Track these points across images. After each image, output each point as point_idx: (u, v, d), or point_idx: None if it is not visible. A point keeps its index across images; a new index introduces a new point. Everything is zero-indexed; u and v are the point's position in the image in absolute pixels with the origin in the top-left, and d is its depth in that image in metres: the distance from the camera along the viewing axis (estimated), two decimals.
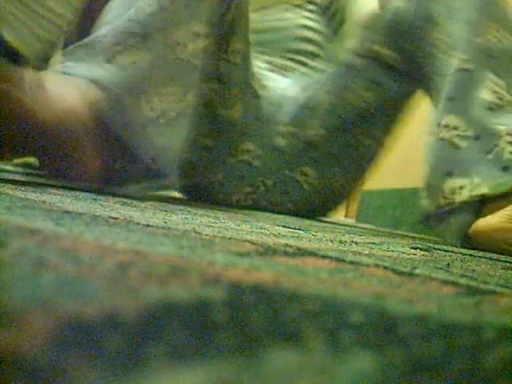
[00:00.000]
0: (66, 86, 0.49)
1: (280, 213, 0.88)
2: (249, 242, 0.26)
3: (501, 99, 0.63)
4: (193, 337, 0.09)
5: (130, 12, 0.60)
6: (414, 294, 0.18)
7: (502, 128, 0.61)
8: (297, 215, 0.89)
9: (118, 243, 0.19)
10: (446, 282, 0.22)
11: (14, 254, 0.14)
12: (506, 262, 0.43)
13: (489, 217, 0.59)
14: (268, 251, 0.24)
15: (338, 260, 0.24)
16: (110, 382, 0.07)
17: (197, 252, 0.20)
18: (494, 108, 0.63)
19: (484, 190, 0.60)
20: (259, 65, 0.90)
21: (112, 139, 0.57)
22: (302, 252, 0.25)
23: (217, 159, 0.85)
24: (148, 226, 0.26)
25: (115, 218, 0.27)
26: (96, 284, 0.12)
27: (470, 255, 0.44)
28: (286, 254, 0.24)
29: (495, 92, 0.64)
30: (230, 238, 0.27)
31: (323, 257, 0.25)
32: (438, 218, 0.66)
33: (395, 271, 0.23)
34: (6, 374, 0.07)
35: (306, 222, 0.70)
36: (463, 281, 0.23)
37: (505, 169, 0.60)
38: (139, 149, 0.59)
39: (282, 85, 0.90)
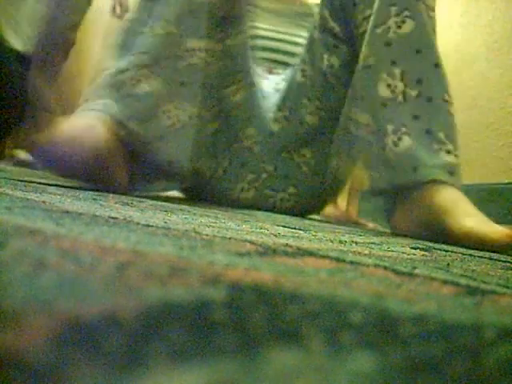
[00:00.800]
0: (97, 126, 0.59)
1: (282, 200, 0.90)
2: (249, 241, 0.26)
3: (394, 92, 0.67)
4: (193, 337, 0.09)
5: (139, 43, 0.68)
6: (413, 294, 0.18)
7: (389, 127, 0.67)
8: (300, 202, 0.92)
9: (118, 243, 0.19)
10: (445, 282, 0.22)
11: (14, 254, 0.14)
12: (506, 261, 0.43)
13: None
14: (268, 251, 0.24)
15: (338, 260, 0.24)
16: (110, 382, 0.07)
17: (197, 252, 0.20)
18: (387, 104, 0.68)
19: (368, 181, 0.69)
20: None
21: (134, 156, 0.68)
22: (301, 252, 0.25)
23: (223, 144, 0.87)
24: (148, 225, 0.26)
25: (115, 218, 0.27)
26: (96, 284, 0.12)
27: (470, 255, 0.44)
28: (286, 253, 0.24)
29: (389, 86, 0.68)
30: (230, 238, 0.27)
31: (323, 257, 0.25)
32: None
33: (395, 271, 0.23)
34: (6, 374, 0.07)
35: (306, 222, 0.70)
36: (463, 281, 0.23)
37: (386, 164, 0.67)
38: (157, 156, 0.68)
39: (269, 80, 0.95)
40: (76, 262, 0.14)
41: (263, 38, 0.99)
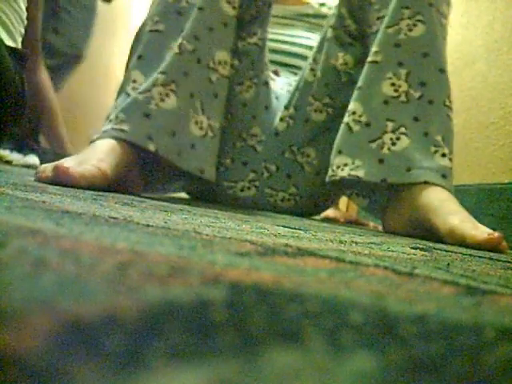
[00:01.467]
0: (119, 154, 0.64)
1: (283, 200, 0.91)
2: (249, 241, 0.26)
3: (397, 91, 0.69)
4: (193, 337, 0.09)
5: (168, 58, 0.70)
6: (413, 294, 0.18)
7: (388, 123, 0.68)
8: (300, 202, 0.92)
9: (118, 243, 0.19)
10: (445, 282, 0.22)
11: (14, 254, 0.14)
12: (506, 261, 0.43)
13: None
14: (268, 251, 0.24)
15: (338, 260, 0.24)
16: (110, 381, 0.07)
17: (197, 252, 0.20)
18: (388, 101, 0.69)
19: (360, 173, 0.69)
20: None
21: (155, 166, 0.76)
22: (302, 252, 0.25)
23: (227, 142, 0.89)
24: (148, 225, 0.26)
25: (115, 218, 0.27)
26: (96, 284, 0.12)
27: (470, 255, 0.44)
28: (286, 253, 0.24)
29: (393, 84, 0.69)
30: (230, 238, 0.27)
31: (323, 257, 0.25)
32: (331, 186, 0.78)
33: (395, 271, 0.23)
34: (6, 374, 0.07)
35: (306, 221, 0.70)
36: (463, 281, 0.23)
37: (380, 161, 0.68)
38: (187, 163, 0.70)
39: (280, 81, 0.97)
40: (76, 262, 0.14)
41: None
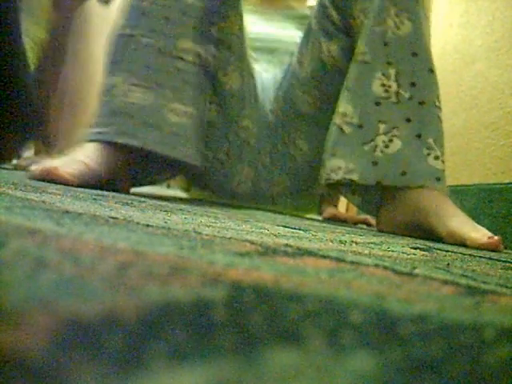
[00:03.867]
0: (106, 154, 0.67)
1: (279, 194, 0.92)
2: (249, 241, 0.26)
3: (387, 91, 0.69)
4: (193, 337, 0.09)
5: (131, 56, 0.71)
6: (413, 294, 0.18)
7: (380, 125, 0.68)
8: (296, 196, 0.93)
9: (118, 243, 0.19)
10: (445, 282, 0.22)
11: (14, 254, 0.14)
12: (505, 261, 0.43)
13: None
14: (268, 251, 0.24)
15: (338, 260, 0.24)
16: (110, 382, 0.07)
17: (197, 252, 0.20)
18: (380, 102, 0.69)
19: (354, 177, 0.69)
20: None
21: (140, 159, 0.76)
22: (301, 252, 0.25)
23: (220, 134, 0.89)
24: (148, 225, 0.26)
25: (115, 218, 0.27)
26: (96, 284, 0.12)
27: (470, 255, 0.44)
28: (286, 253, 0.24)
29: (383, 85, 0.69)
30: (230, 238, 0.27)
31: (323, 257, 0.25)
32: (326, 187, 0.78)
33: (395, 271, 0.23)
34: (6, 374, 0.07)
35: (306, 221, 0.70)
36: (463, 281, 0.23)
37: (374, 164, 0.68)
38: (173, 151, 0.71)
39: (269, 73, 0.97)
40: (76, 261, 0.14)
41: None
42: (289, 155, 0.91)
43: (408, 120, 0.68)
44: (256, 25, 1.04)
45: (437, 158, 0.67)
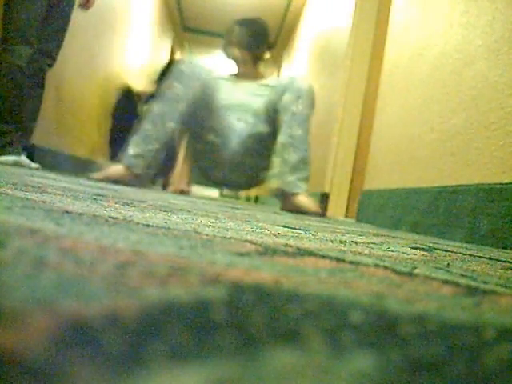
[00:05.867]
0: (125, 171, 1.45)
1: (236, 184, 1.82)
2: (249, 241, 0.26)
3: (287, 160, 1.55)
4: (193, 337, 0.09)
5: (155, 135, 1.52)
6: (413, 293, 0.18)
7: (287, 165, 1.53)
8: (243, 183, 1.80)
9: (118, 243, 0.19)
10: (445, 282, 0.22)
11: (14, 254, 0.14)
12: (505, 261, 0.43)
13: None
14: (268, 251, 0.24)
15: (338, 260, 0.24)
16: (110, 381, 0.07)
17: (197, 252, 0.20)
18: (287, 163, 1.56)
19: (279, 184, 1.52)
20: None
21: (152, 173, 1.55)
22: (302, 252, 0.25)
23: (211, 154, 1.76)
24: (148, 225, 0.26)
25: (115, 218, 0.27)
26: (96, 284, 0.12)
27: (470, 255, 0.44)
28: (286, 253, 0.24)
29: (289, 148, 1.55)
30: (230, 238, 0.27)
31: (323, 257, 0.25)
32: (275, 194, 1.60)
33: (395, 271, 0.23)
34: (6, 373, 0.07)
35: (306, 222, 0.70)
36: (463, 281, 0.23)
37: (284, 183, 1.51)
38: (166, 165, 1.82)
39: (238, 122, 1.73)
40: (76, 261, 0.14)
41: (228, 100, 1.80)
42: (243, 166, 1.72)
43: (295, 170, 1.51)
44: (231, 92, 1.75)
45: (306, 180, 1.52)
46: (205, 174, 1.79)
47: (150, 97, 2.37)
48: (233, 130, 1.69)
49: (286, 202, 1.53)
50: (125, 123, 2.37)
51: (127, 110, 2.49)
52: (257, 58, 1.81)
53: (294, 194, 1.46)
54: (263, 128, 1.65)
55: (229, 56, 1.80)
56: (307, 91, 1.54)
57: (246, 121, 1.69)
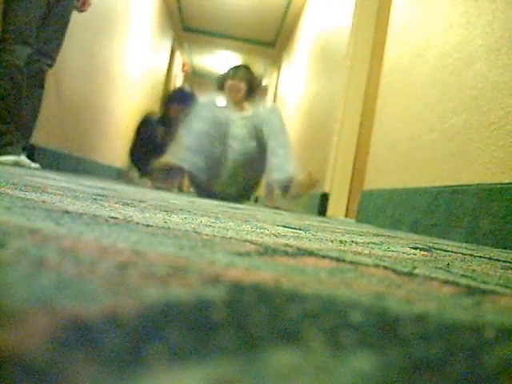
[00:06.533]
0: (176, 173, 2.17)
1: (231, 195, 2.12)
2: (249, 241, 0.26)
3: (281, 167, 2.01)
4: (193, 337, 0.09)
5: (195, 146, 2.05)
6: (413, 293, 0.18)
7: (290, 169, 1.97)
8: (238, 194, 2.12)
9: (118, 243, 0.19)
10: (445, 282, 0.22)
11: (14, 254, 0.14)
12: (505, 261, 0.43)
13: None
14: (268, 251, 0.24)
15: (338, 260, 0.24)
16: (109, 382, 0.07)
17: (197, 252, 0.20)
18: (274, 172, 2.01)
19: (282, 175, 1.96)
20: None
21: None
22: (302, 252, 0.25)
23: (214, 168, 2.16)
24: (148, 225, 0.26)
25: (115, 218, 0.27)
26: (96, 284, 0.12)
27: (470, 255, 0.44)
28: (286, 253, 0.24)
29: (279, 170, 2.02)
30: (230, 238, 0.27)
31: (323, 257, 0.25)
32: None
33: (395, 271, 0.23)
34: (6, 373, 0.07)
35: (306, 222, 0.70)
36: (463, 281, 0.23)
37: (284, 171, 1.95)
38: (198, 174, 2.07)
39: (234, 142, 2.16)
40: (76, 261, 0.14)
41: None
42: (237, 179, 2.08)
43: (281, 171, 1.92)
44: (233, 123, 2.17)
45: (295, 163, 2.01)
46: (203, 189, 2.18)
47: (160, 119, 2.62)
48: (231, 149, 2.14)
49: (293, 187, 1.88)
50: (146, 140, 2.64)
51: (149, 129, 2.69)
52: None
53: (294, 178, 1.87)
54: (253, 147, 2.12)
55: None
56: (274, 109, 2.12)
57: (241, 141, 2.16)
